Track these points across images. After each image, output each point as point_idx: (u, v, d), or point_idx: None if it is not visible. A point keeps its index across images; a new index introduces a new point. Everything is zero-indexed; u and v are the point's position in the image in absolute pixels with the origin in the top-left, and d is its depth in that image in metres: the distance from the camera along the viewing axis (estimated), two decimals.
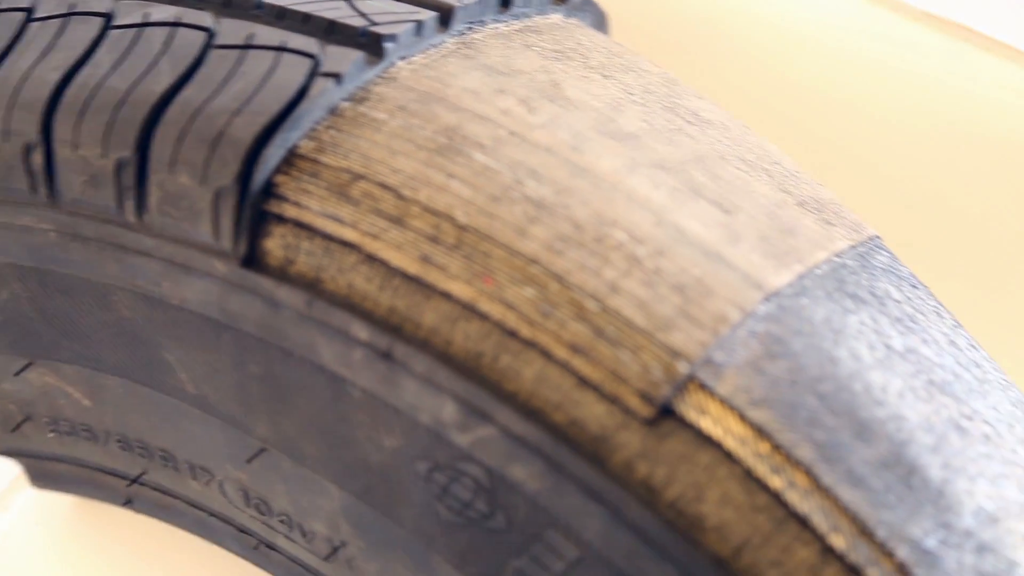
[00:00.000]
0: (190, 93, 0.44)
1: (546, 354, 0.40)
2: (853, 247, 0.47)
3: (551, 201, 0.42)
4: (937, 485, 0.40)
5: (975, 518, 0.40)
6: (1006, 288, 0.72)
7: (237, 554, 0.55)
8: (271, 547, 0.52)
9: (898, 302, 0.46)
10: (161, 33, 0.46)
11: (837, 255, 0.46)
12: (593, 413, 0.40)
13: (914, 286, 0.48)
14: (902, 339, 0.44)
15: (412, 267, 0.42)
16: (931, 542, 0.38)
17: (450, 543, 0.44)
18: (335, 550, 0.49)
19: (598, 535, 0.40)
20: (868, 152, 0.72)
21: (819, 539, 0.38)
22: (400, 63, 0.47)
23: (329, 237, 0.43)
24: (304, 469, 0.47)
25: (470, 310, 0.41)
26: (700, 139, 0.48)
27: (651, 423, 0.39)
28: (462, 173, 0.43)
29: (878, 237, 0.49)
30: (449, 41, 0.48)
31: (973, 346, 0.47)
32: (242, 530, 0.53)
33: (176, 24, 0.47)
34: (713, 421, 0.39)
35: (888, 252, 0.49)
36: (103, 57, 0.46)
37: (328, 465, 0.46)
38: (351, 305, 0.42)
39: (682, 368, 0.39)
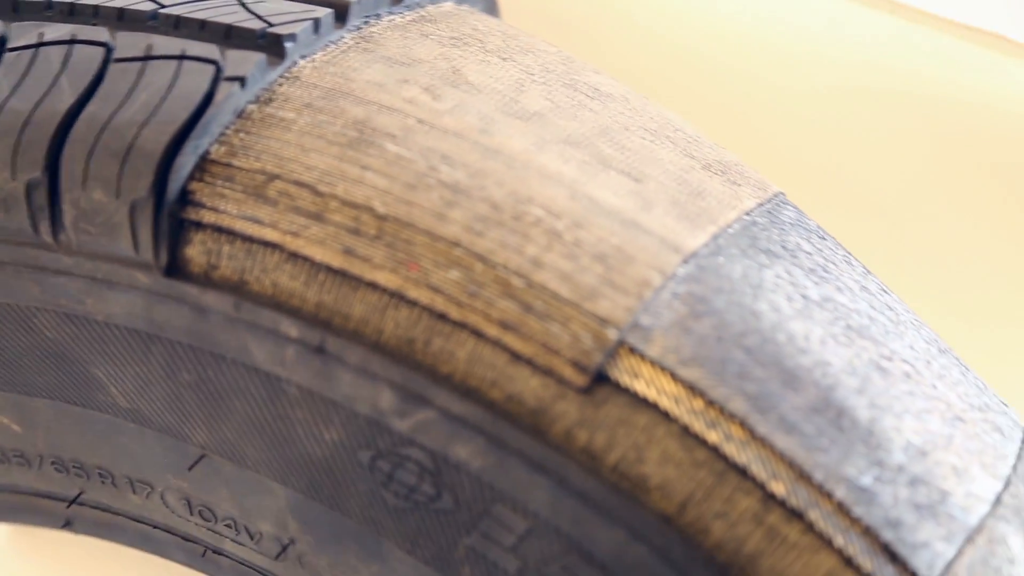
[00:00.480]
0: (95, 109, 0.44)
1: (477, 333, 0.41)
2: (761, 204, 0.48)
3: (466, 184, 0.43)
4: (866, 425, 0.41)
5: (905, 453, 0.41)
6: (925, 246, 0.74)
7: (184, 564, 0.55)
8: (219, 553, 0.52)
9: (809, 254, 0.47)
10: (58, 52, 0.46)
11: (747, 213, 0.47)
12: (529, 387, 0.41)
13: (822, 237, 0.49)
14: (817, 289, 0.45)
15: (336, 261, 0.42)
16: (866, 480, 0.40)
17: (400, 528, 0.45)
18: (284, 548, 0.49)
19: (545, 505, 0.41)
20: (757, 115, 0.73)
21: (760, 487, 0.39)
22: (302, 62, 0.47)
23: (250, 239, 0.43)
24: (246, 471, 0.47)
25: (398, 298, 0.42)
26: (602, 112, 0.49)
27: (587, 391, 0.40)
28: (376, 164, 0.43)
29: (782, 193, 0.50)
30: (347, 36, 0.49)
31: (884, 290, 0.49)
32: (187, 539, 0.53)
33: (72, 42, 0.46)
34: (646, 383, 0.40)
35: (794, 207, 0.50)
36: (1, 81, 0.46)
37: (271, 465, 0.46)
38: (279, 304, 0.43)
39: (611, 335, 0.40)
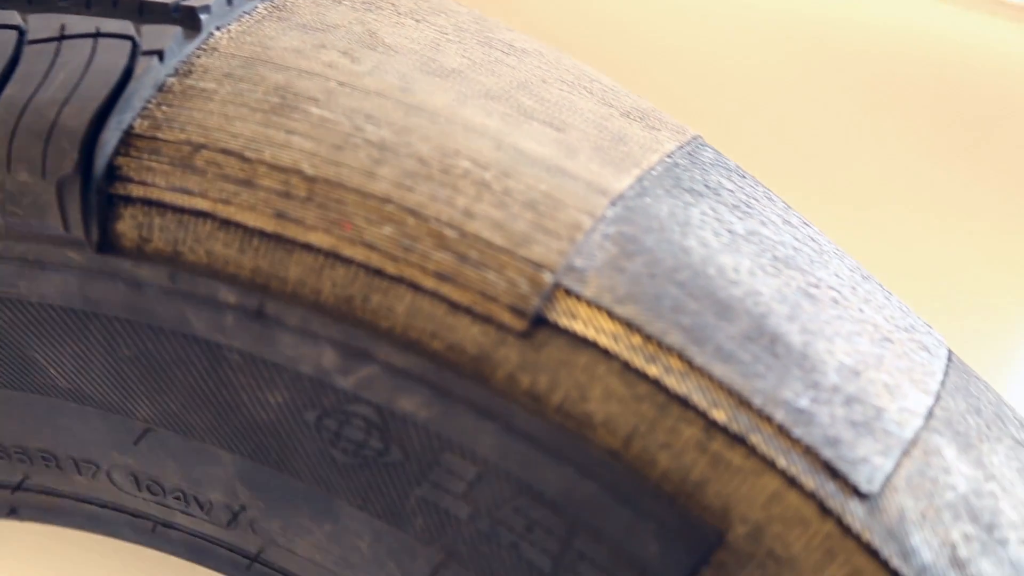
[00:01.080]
0: (13, 91, 0.44)
1: (415, 287, 0.41)
2: (681, 147, 0.49)
3: (393, 141, 0.43)
4: (799, 349, 0.42)
5: (838, 374, 0.42)
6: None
7: (133, 541, 0.55)
8: (169, 526, 0.53)
9: (731, 191, 0.48)
10: None
11: (668, 156, 0.47)
12: (469, 335, 0.41)
13: (742, 176, 0.50)
14: (742, 223, 0.46)
15: (269, 225, 0.42)
16: (803, 402, 0.41)
17: (350, 485, 0.45)
18: (235, 515, 0.50)
19: (493, 450, 0.42)
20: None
21: (701, 416, 0.40)
22: (217, 33, 0.47)
23: (181, 210, 0.43)
24: (193, 441, 0.47)
25: (334, 257, 0.42)
26: (519, 67, 0.50)
27: (526, 335, 0.41)
28: (301, 128, 0.44)
29: (700, 136, 0.51)
30: (260, 6, 0.49)
31: (806, 223, 0.50)
32: (136, 515, 0.53)
33: None
34: (584, 323, 0.41)
35: (712, 148, 0.51)
36: None
37: (217, 433, 0.47)
38: (214, 272, 0.43)
39: (547, 278, 0.41)
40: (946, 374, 0.46)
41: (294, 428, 0.45)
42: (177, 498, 0.51)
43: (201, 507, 0.51)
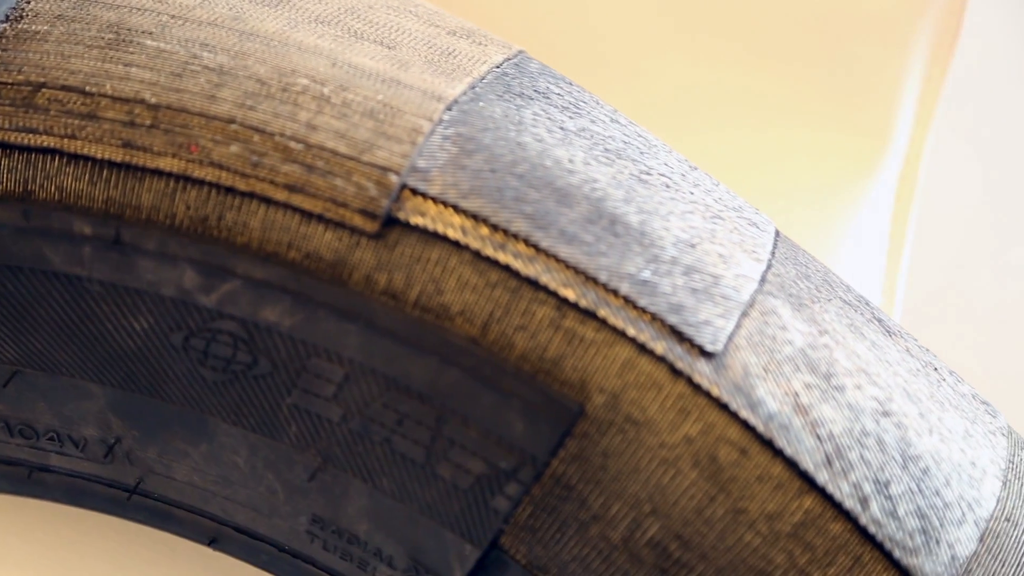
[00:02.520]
0: None
1: (266, 200, 0.43)
2: (508, 59, 0.51)
3: (230, 66, 0.45)
4: (637, 228, 0.44)
5: (676, 248, 0.45)
6: None
7: (8, 492, 0.55)
8: (45, 470, 0.53)
9: (560, 95, 0.50)
10: None
11: (496, 66, 0.49)
12: (324, 242, 0.43)
13: (569, 83, 0.53)
14: (573, 122, 0.48)
15: (117, 155, 0.43)
16: (646, 274, 0.43)
17: (222, 402, 0.47)
18: (111, 448, 0.50)
19: (358, 350, 0.44)
20: None
21: (552, 295, 0.42)
22: None
23: (27, 148, 0.44)
24: (61, 378, 0.48)
25: (184, 180, 0.43)
26: None
27: (378, 236, 0.43)
28: (139, 60, 0.45)
29: (525, 51, 0.53)
30: None
31: (632, 123, 0.52)
32: (10, 463, 0.54)
33: None
34: (433, 219, 0.43)
35: (537, 61, 0.53)
36: None
37: (85, 366, 0.47)
38: (68, 206, 0.44)
39: (393, 180, 0.43)
40: (775, 245, 0.49)
41: (162, 352, 0.46)
42: (51, 439, 0.51)
43: (76, 445, 0.51)
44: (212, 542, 0.53)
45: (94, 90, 0.44)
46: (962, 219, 1.05)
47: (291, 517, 0.50)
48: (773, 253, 0.48)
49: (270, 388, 0.46)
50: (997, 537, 0.45)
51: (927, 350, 0.51)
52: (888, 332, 0.50)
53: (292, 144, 0.43)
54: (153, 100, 0.44)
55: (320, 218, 0.43)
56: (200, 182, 0.43)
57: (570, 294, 0.42)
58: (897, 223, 0.86)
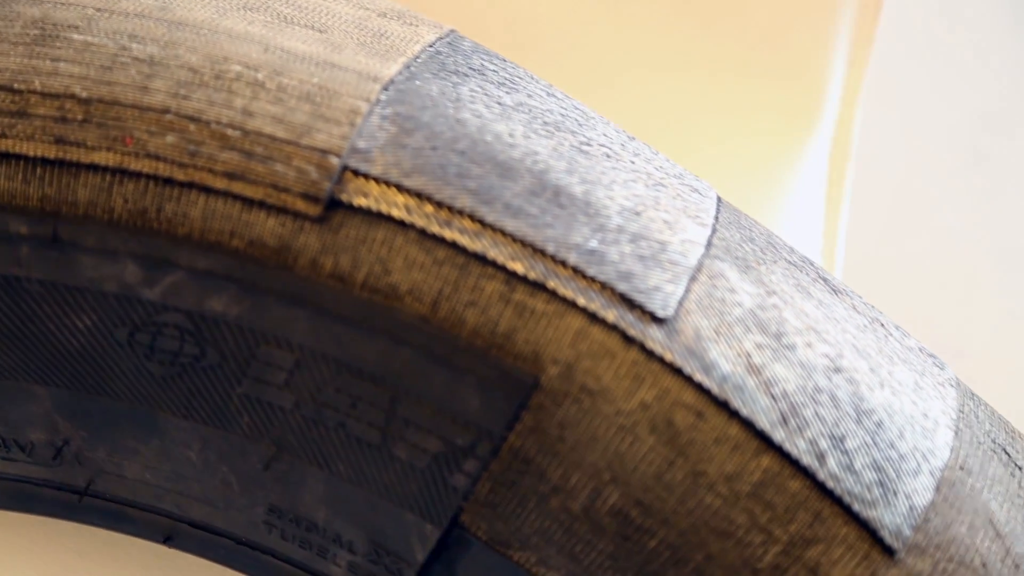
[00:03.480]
0: None
1: (206, 189, 0.42)
2: (440, 38, 0.50)
3: (161, 56, 0.44)
4: (581, 198, 0.44)
5: (621, 216, 0.44)
6: None
7: None
8: None
9: (495, 71, 0.50)
10: None
11: (430, 45, 0.49)
12: (267, 228, 0.42)
13: (502, 60, 0.52)
14: (510, 97, 0.48)
15: (50, 152, 0.43)
16: (593, 243, 0.43)
17: (171, 396, 0.46)
18: (59, 451, 0.50)
19: (307, 335, 0.43)
20: None
21: (500, 269, 0.42)
22: None
23: None
24: (4, 382, 0.47)
25: (121, 173, 0.42)
26: None
27: (322, 220, 0.42)
28: (67, 55, 0.44)
29: (455, 30, 0.53)
30: None
31: (568, 96, 0.52)
32: None
33: None
34: (376, 199, 0.42)
35: (469, 40, 0.53)
36: None
37: (28, 368, 0.47)
38: (2, 206, 0.43)
39: (333, 162, 0.42)
40: (718, 210, 0.49)
41: (107, 349, 0.45)
42: None
43: (23, 449, 0.50)
44: (167, 539, 0.52)
45: (22, 87, 0.43)
46: (896, 177, 1.06)
47: (247, 508, 0.49)
48: (717, 218, 0.48)
49: (220, 379, 0.45)
50: (952, 486, 0.45)
51: (872, 306, 0.52)
52: (834, 291, 0.50)
53: (229, 131, 0.43)
54: (84, 94, 0.43)
55: (262, 204, 0.42)
56: (137, 174, 0.42)
57: (518, 267, 0.42)
58: (833, 185, 0.87)
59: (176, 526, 0.52)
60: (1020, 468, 0.48)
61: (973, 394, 0.51)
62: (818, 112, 0.86)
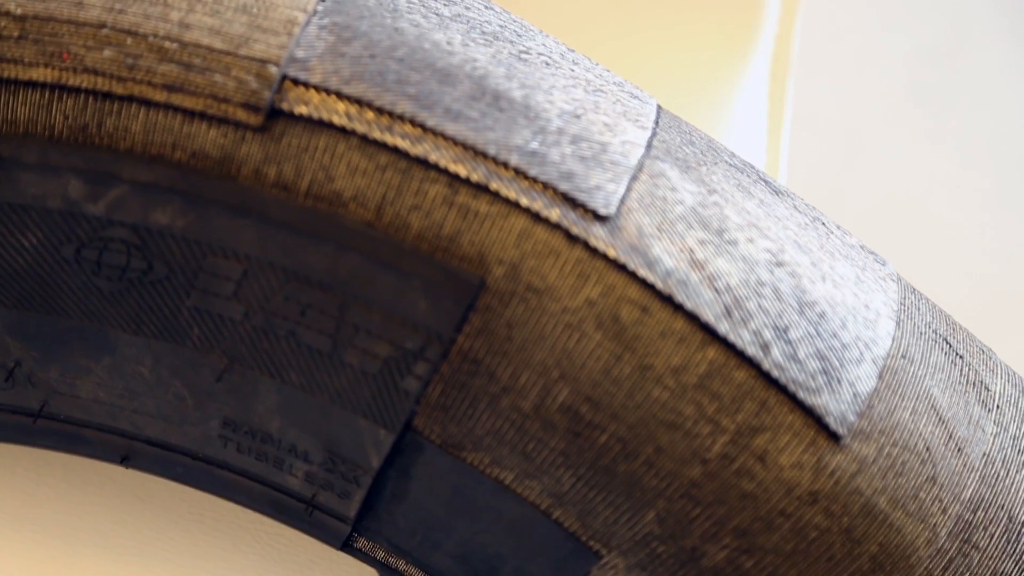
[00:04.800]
0: None
1: (146, 103, 0.42)
2: None
3: None
4: (521, 102, 0.45)
5: (561, 119, 0.45)
6: None
7: None
8: None
9: None
10: None
11: None
12: (209, 139, 0.42)
13: None
14: (448, 8, 0.48)
15: None
16: (534, 145, 0.44)
17: (121, 312, 0.46)
18: (11, 373, 0.50)
19: (253, 245, 0.43)
20: None
21: (443, 172, 0.42)
22: None
23: None
24: None
25: (60, 89, 0.42)
26: None
27: (264, 129, 0.42)
28: None
29: None
30: None
31: (506, 10, 0.52)
32: None
33: None
34: (317, 108, 0.42)
35: None
36: None
37: None
38: None
39: (273, 71, 0.42)
40: (658, 115, 0.49)
41: (54, 266, 0.45)
42: None
43: None
44: (124, 460, 0.52)
45: None
46: (837, 93, 1.07)
47: (202, 423, 0.50)
48: (657, 122, 0.48)
49: (168, 292, 0.45)
50: (895, 373, 0.46)
51: (813, 207, 0.52)
52: (775, 192, 0.50)
53: (167, 44, 0.43)
54: (19, 11, 0.43)
55: (202, 116, 0.42)
56: (76, 90, 0.42)
57: (461, 170, 0.43)
58: (774, 102, 0.87)
59: (132, 445, 0.52)
60: (961, 357, 0.49)
61: (914, 289, 0.52)
62: (757, 28, 0.86)
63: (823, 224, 0.51)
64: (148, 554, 0.62)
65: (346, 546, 0.53)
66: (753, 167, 0.52)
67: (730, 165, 0.50)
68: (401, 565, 0.53)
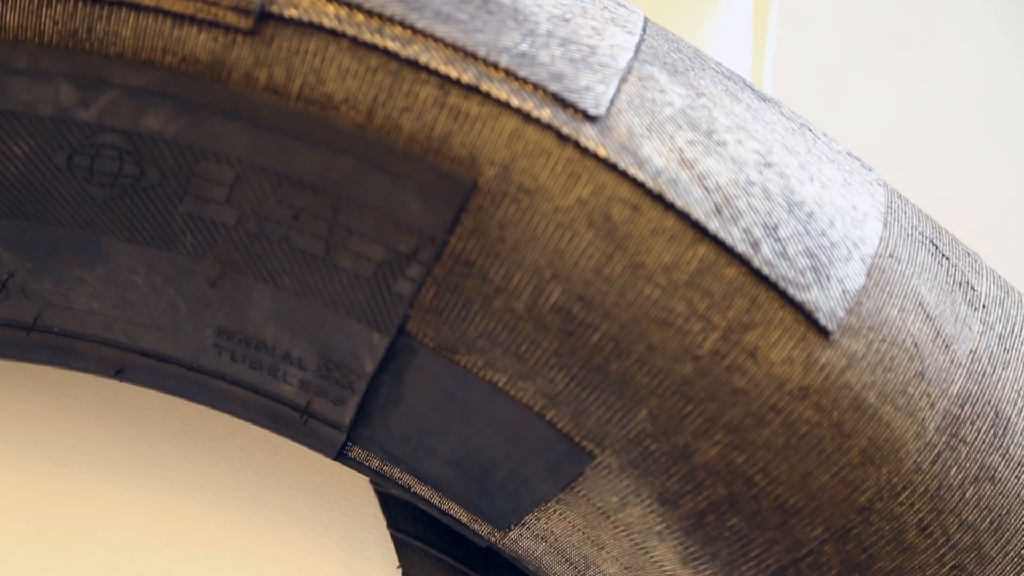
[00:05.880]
0: None
1: (135, 7, 0.42)
2: None
3: None
4: (510, 5, 0.45)
5: (550, 22, 0.45)
6: None
7: None
8: None
9: None
10: None
11: None
12: (200, 44, 0.42)
13: None
14: None
15: None
16: (524, 47, 0.44)
17: (114, 220, 0.46)
18: (4, 285, 0.50)
19: (246, 149, 0.43)
20: None
21: (434, 74, 0.43)
22: None
23: None
24: None
25: None
26: None
27: (254, 33, 0.42)
28: None
29: None
30: None
31: None
32: None
33: None
34: (306, 10, 0.42)
35: None
36: None
37: None
38: None
39: None
40: (646, 22, 0.49)
41: (46, 174, 0.45)
42: None
43: None
44: (118, 373, 0.53)
45: None
46: (823, 7, 1.07)
47: (196, 332, 0.50)
48: (644, 28, 0.49)
49: (161, 199, 0.45)
50: (883, 272, 0.46)
51: (800, 115, 0.53)
52: (763, 99, 0.51)
53: None
54: None
55: (193, 19, 0.42)
56: None
57: (451, 71, 0.43)
58: (759, 14, 0.88)
59: (126, 357, 0.52)
60: (947, 258, 0.50)
61: (900, 194, 0.52)
62: None
63: (810, 130, 0.51)
64: (141, 472, 0.63)
65: (341, 455, 0.53)
66: (740, 75, 0.52)
67: (717, 72, 0.50)
68: (395, 473, 0.53)
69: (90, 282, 0.49)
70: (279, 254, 0.46)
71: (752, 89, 0.51)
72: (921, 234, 0.50)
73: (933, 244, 0.50)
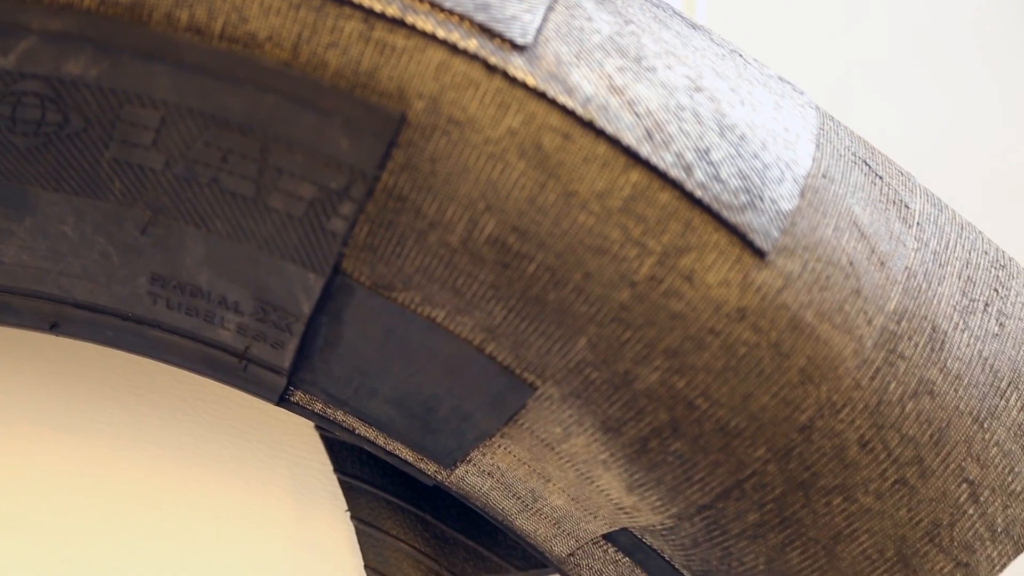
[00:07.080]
0: None
1: None
2: None
3: None
4: None
5: None
6: None
7: None
8: None
9: None
10: None
11: None
12: None
13: None
14: None
15: None
16: None
17: (39, 169, 0.46)
18: None
19: (170, 91, 0.43)
20: None
21: (358, 8, 0.42)
22: None
23: None
24: None
25: None
26: None
27: None
28: None
29: None
30: None
31: None
32: None
33: None
34: None
35: None
36: None
37: None
38: None
39: None
40: None
41: None
42: None
43: None
44: (53, 327, 0.52)
45: None
46: None
47: (130, 280, 0.49)
48: None
49: (86, 145, 0.45)
50: (816, 192, 0.46)
51: (730, 42, 0.53)
52: (692, 26, 0.51)
53: None
54: None
55: None
56: None
57: (375, 4, 0.42)
58: None
59: (61, 310, 0.51)
60: (880, 177, 0.50)
61: (832, 116, 0.52)
62: None
63: (740, 56, 0.51)
64: (84, 429, 0.63)
65: (283, 400, 0.53)
66: (669, 4, 0.52)
67: (646, 0, 0.50)
68: (339, 416, 0.53)
69: (19, 234, 0.48)
70: (209, 197, 0.45)
71: (681, 17, 0.51)
72: (854, 154, 0.50)
73: (866, 164, 0.50)
